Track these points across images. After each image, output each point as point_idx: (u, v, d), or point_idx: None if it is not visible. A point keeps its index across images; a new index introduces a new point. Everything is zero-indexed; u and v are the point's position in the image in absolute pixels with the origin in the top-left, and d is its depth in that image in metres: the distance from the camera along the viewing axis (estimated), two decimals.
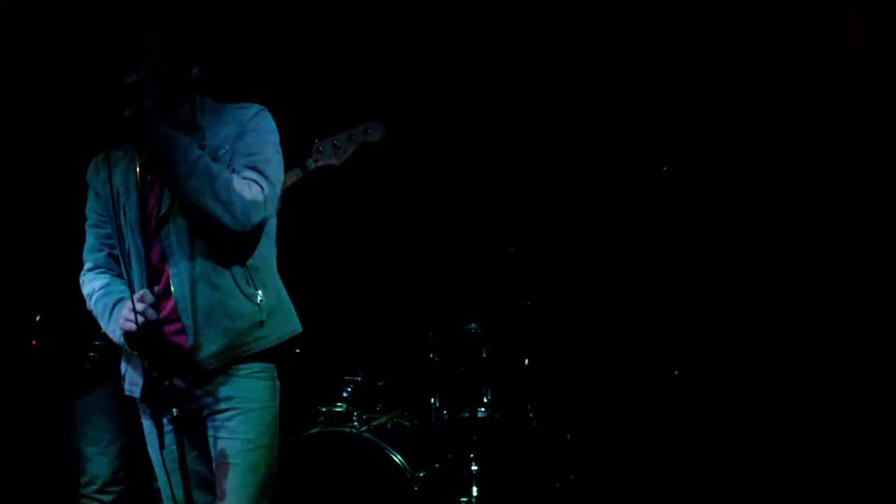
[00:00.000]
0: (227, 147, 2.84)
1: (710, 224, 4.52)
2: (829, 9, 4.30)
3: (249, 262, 2.87)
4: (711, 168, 4.55)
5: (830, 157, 4.30)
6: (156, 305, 2.74)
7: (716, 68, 4.52)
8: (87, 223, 3.02)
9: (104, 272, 2.98)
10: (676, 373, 4.27)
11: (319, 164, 3.88)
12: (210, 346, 2.81)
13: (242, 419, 2.86)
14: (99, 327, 2.94)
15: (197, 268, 2.81)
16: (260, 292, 2.87)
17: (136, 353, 2.81)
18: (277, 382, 2.96)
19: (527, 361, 4.31)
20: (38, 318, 3.68)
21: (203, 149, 2.79)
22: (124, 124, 2.64)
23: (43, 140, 3.93)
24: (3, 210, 3.93)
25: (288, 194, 3.68)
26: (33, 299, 3.70)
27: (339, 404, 4.10)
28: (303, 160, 3.86)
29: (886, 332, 4.09)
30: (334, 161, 3.88)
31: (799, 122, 4.38)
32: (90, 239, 3.01)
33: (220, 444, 2.87)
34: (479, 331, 4.22)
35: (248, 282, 2.86)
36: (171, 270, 2.82)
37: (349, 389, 4.12)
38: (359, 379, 4.15)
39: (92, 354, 3.61)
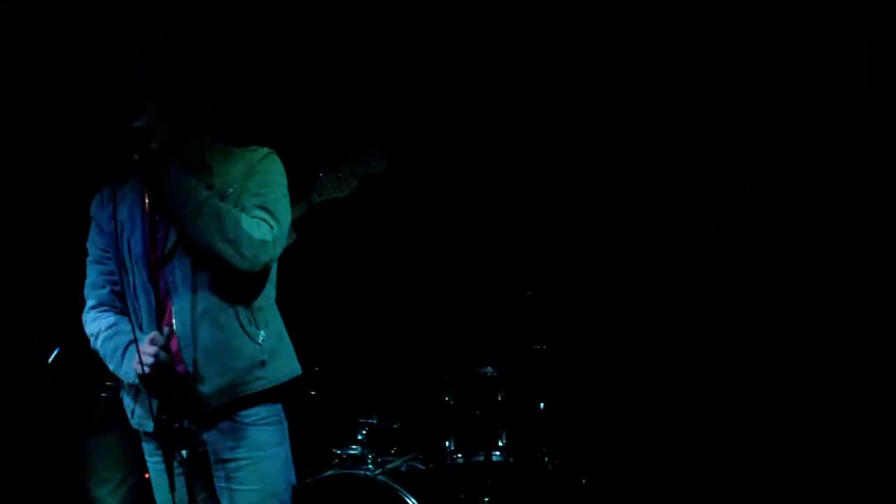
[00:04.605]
0: (235, 186, 2.84)
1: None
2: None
3: (254, 302, 2.87)
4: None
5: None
6: (167, 347, 2.74)
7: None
8: (89, 258, 2.99)
9: (107, 310, 2.96)
10: None
11: (324, 197, 3.89)
12: (211, 385, 2.80)
13: (252, 469, 2.86)
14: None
15: (200, 305, 2.80)
16: (262, 332, 2.87)
17: (146, 393, 2.80)
18: (285, 423, 2.95)
19: (542, 405, 4.29)
20: (55, 355, 3.70)
21: (210, 188, 2.79)
22: (133, 167, 2.67)
23: (59, 172, 3.94)
24: (18, 245, 3.94)
25: (295, 228, 3.68)
26: (50, 335, 3.71)
27: (353, 447, 4.09)
28: (308, 194, 3.86)
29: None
30: (339, 194, 3.89)
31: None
32: (91, 275, 2.99)
33: (233, 496, 2.86)
34: (495, 374, 4.20)
35: (250, 321, 2.85)
36: (173, 307, 2.81)
37: (364, 432, 4.11)
38: (374, 421, 4.15)
39: (104, 395, 3.61)
